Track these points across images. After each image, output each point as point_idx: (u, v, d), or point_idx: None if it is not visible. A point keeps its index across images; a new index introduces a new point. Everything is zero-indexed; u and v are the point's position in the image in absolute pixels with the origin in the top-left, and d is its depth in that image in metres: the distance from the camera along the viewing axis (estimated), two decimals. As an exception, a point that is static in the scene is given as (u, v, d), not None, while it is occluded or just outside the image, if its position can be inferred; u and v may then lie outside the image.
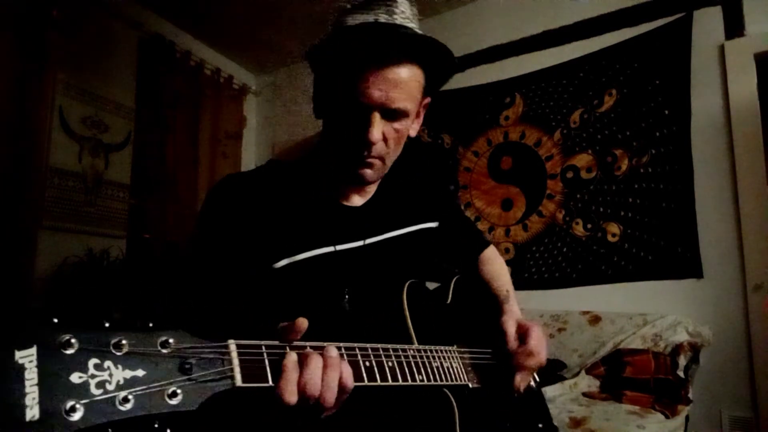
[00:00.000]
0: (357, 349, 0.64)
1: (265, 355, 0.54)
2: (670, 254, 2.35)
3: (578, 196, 2.63)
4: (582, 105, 2.67)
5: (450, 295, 0.99)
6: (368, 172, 0.86)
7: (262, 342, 0.55)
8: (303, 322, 0.58)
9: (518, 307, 1.03)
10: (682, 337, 2.09)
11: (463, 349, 0.87)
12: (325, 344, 0.61)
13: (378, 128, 0.79)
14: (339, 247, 0.87)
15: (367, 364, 0.64)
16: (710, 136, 2.33)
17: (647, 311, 2.26)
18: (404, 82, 0.79)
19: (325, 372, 0.58)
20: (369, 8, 0.79)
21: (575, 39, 2.72)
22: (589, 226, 2.58)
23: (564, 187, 2.69)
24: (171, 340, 0.45)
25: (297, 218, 0.87)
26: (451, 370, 0.79)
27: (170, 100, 3.14)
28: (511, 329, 0.92)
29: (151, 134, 3.05)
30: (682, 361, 2.02)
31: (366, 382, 0.63)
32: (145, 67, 3.10)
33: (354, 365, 0.62)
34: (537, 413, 0.98)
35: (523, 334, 0.92)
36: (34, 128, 2.46)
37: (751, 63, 2.28)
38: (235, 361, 0.50)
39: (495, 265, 1.15)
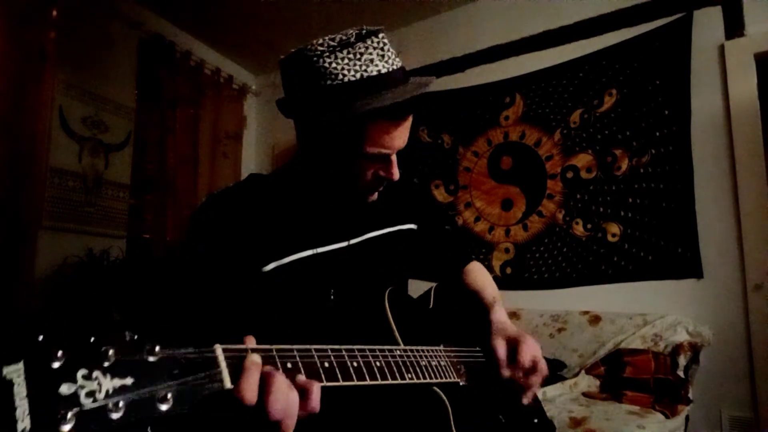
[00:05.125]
0: (344, 351, 0.65)
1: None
2: (670, 254, 2.35)
3: (578, 196, 2.63)
4: (582, 105, 2.67)
5: (432, 301, 1.02)
6: (377, 195, 0.91)
7: (249, 346, 0.55)
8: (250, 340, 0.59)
9: (505, 312, 1.03)
10: (682, 337, 2.09)
11: (449, 348, 0.88)
12: (311, 348, 0.61)
13: (396, 166, 0.86)
14: (324, 249, 0.90)
15: (355, 364, 0.65)
16: (710, 136, 2.33)
17: (647, 311, 2.26)
18: (411, 124, 0.85)
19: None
20: (356, 51, 0.77)
21: (575, 39, 2.72)
22: (589, 226, 2.58)
23: (564, 187, 2.69)
24: (157, 348, 0.46)
25: (283, 223, 0.89)
26: (439, 368, 0.80)
27: (170, 100, 3.14)
28: (501, 352, 0.92)
29: (151, 134, 3.05)
30: (682, 361, 2.02)
31: (355, 381, 0.63)
32: (145, 67, 3.10)
33: (341, 366, 0.63)
34: (533, 410, 0.98)
35: (513, 348, 0.91)
36: (34, 128, 2.46)
37: (751, 63, 2.28)
38: (223, 364, 0.51)
39: (480, 275, 1.14)
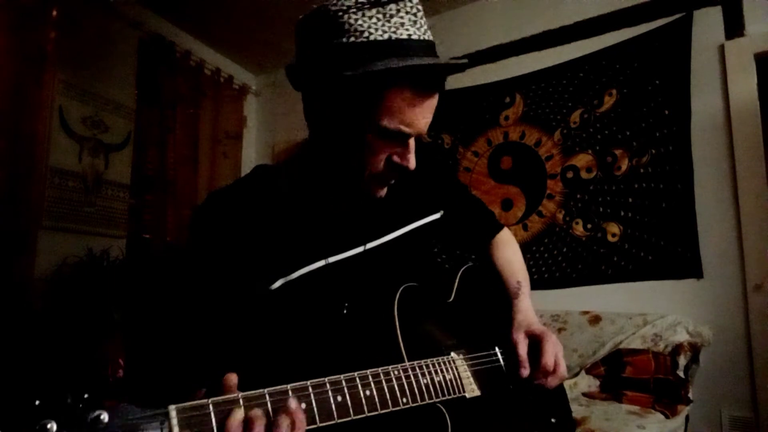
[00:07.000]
0: (328, 384, 0.61)
1: (212, 414, 0.51)
2: (670, 254, 2.35)
3: (578, 196, 2.63)
4: (582, 105, 2.67)
5: (454, 292, 0.94)
6: (385, 190, 0.81)
7: (210, 400, 0.52)
8: (231, 378, 0.56)
9: (529, 299, 0.97)
10: (682, 337, 2.09)
11: (460, 357, 0.82)
12: (287, 389, 0.57)
13: (414, 155, 0.75)
14: (337, 258, 0.81)
15: (339, 398, 0.61)
16: (710, 136, 2.33)
17: (647, 311, 2.26)
18: (435, 106, 0.76)
19: None
20: (386, 12, 0.68)
21: (575, 39, 2.72)
22: (589, 226, 2.58)
23: (564, 187, 2.69)
24: (103, 416, 0.43)
25: (291, 232, 0.81)
26: (443, 383, 0.75)
27: (170, 100, 3.14)
28: (522, 349, 0.85)
29: (151, 134, 3.04)
30: (682, 361, 2.02)
31: (336, 420, 0.59)
32: (145, 67, 3.09)
33: (321, 404, 0.59)
34: (551, 407, 0.94)
35: (535, 346, 0.86)
36: (34, 128, 2.46)
37: (751, 63, 2.28)
38: (176, 429, 0.48)
39: (507, 250, 1.06)
